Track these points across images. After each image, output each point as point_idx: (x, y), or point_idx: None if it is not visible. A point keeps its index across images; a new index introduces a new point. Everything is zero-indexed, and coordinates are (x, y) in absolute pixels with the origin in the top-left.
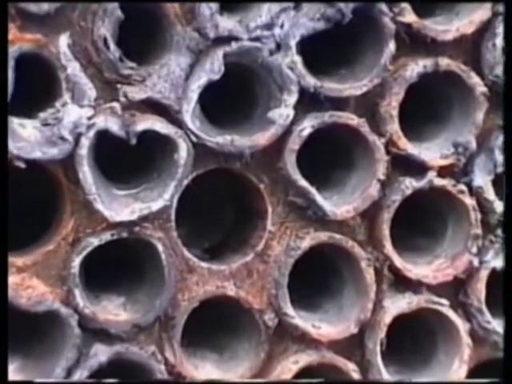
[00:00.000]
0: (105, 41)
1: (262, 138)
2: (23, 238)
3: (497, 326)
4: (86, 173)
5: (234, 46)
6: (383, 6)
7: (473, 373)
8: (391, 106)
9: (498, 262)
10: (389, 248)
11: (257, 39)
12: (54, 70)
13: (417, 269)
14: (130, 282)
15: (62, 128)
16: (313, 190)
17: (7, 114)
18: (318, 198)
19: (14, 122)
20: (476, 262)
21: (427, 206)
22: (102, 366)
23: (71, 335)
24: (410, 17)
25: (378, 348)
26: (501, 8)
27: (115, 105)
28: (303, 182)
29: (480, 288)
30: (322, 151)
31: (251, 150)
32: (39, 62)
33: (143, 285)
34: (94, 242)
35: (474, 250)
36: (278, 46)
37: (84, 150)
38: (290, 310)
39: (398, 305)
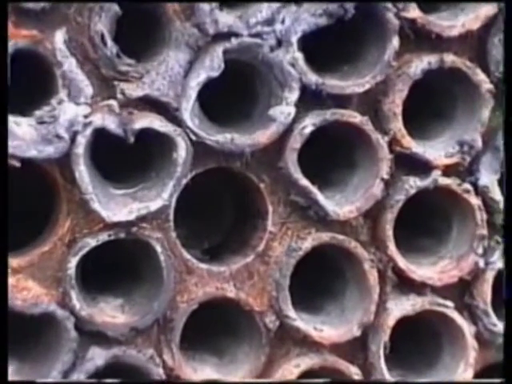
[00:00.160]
0: (102, 37)
1: (263, 136)
2: (18, 239)
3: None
4: (83, 172)
5: (234, 42)
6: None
7: (479, 376)
8: (395, 103)
9: None
10: (392, 249)
11: (257, 35)
12: (50, 67)
13: (421, 270)
14: (127, 283)
15: (58, 126)
16: (314, 190)
17: (7, 114)
18: (320, 197)
19: (9, 120)
20: (482, 263)
21: (432, 205)
22: (99, 369)
23: (67, 338)
24: (414, 12)
25: (382, 351)
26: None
27: (112, 102)
28: (305, 182)
29: (486, 290)
30: (323, 150)
31: (251, 148)
32: (35, 58)
33: (141, 286)
34: (91, 242)
35: (480, 250)
36: (279, 42)
37: (80, 148)
38: (291, 312)
39: (401, 307)
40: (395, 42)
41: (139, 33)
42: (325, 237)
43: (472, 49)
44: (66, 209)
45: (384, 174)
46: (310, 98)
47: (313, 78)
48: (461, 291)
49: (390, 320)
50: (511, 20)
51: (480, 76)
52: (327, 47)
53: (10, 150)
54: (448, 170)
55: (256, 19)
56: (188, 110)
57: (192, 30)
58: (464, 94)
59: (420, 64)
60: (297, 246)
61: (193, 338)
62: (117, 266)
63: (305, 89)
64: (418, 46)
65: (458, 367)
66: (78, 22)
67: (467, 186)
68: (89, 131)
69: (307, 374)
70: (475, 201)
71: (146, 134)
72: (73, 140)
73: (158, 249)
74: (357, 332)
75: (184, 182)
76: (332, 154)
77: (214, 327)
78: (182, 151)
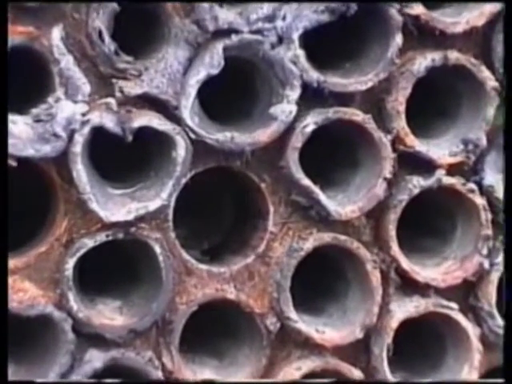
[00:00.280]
0: (100, 33)
1: (264, 135)
2: (14, 239)
3: None
4: (80, 171)
5: (234, 38)
6: None
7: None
8: (398, 101)
9: None
10: (395, 249)
11: (258, 32)
12: (47, 64)
13: (425, 271)
14: (125, 284)
15: (55, 124)
16: (316, 189)
17: (7, 114)
18: (322, 197)
19: None
20: (486, 264)
21: (435, 205)
22: (97, 372)
23: (65, 340)
24: (417, 8)
25: (385, 354)
26: None
27: (110, 100)
28: (306, 181)
29: (491, 291)
30: (325, 149)
31: (252, 147)
32: (31, 55)
33: (140, 288)
34: (89, 243)
35: (485, 251)
36: (280, 39)
37: (78, 147)
38: (292, 313)
39: (405, 309)
40: (398, 38)
41: (138, 29)
42: (326, 237)
43: (477, 45)
44: (63, 209)
45: (387, 173)
46: (312, 96)
47: (314, 75)
48: (465, 293)
49: (393, 322)
50: (511, 20)
51: (485, 73)
52: (329, 44)
53: None
54: (452, 170)
55: (257, 15)
56: (187, 108)
57: (191, 26)
58: (469, 91)
59: (424, 61)
60: (298, 247)
61: (192, 341)
62: (115, 267)
63: (306, 87)
64: (421, 43)
65: (462, 370)
66: (75, 18)
67: (472, 185)
68: (86, 130)
69: (309, 376)
70: (480, 201)
71: (145, 133)
72: (70, 139)
73: (157, 249)
74: (359, 334)
75: (183, 181)
76: (334, 153)
77: (214, 329)
78: (182, 150)
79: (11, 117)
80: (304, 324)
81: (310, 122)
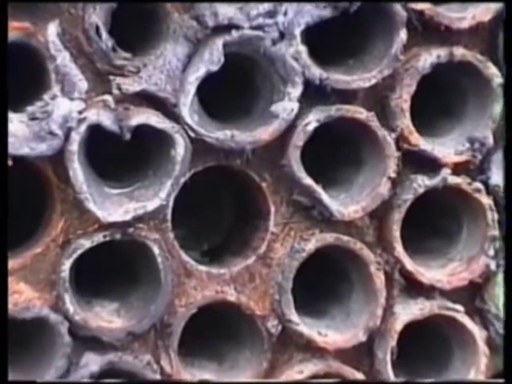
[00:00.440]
0: (97, 29)
1: (265, 133)
2: (10, 240)
3: None
4: (77, 170)
5: (235, 34)
6: None
7: None
8: (402, 98)
9: None
10: (399, 250)
11: (259, 28)
12: (43, 61)
13: (430, 272)
14: (123, 286)
15: (51, 122)
16: (318, 189)
17: (7, 113)
18: (324, 196)
19: None
20: (493, 266)
21: (441, 205)
22: (94, 375)
23: (61, 343)
24: (422, 3)
25: (388, 357)
26: None
27: (108, 98)
28: (308, 180)
29: (497, 293)
30: (328, 147)
31: (253, 145)
32: (27, 51)
33: (138, 290)
34: (86, 243)
35: (491, 252)
36: (282, 35)
37: (74, 145)
38: (294, 316)
39: (409, 311)
40: (403, 34)
41: (136, 25)
42: (329, 238)
43: (483, 41)
44: (59, 209)
45: (391, 172)
46: (314, 93)
47: (317, 72)
48: (471, 295)
49: (398, 324)
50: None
51: (491, 70)
52: (332, 40)
53: None
54: (458, 169)
55: (257, 11)
56: (186, 105)
57: (191, 22)
58: (475, 88)
59: (429, 57)
60: (300, 248)
61: (192, 344)
62: (112, 268)
63: (308, 83)
64: (426, 39)
65: (468, 374)
66: (71, 13)
67: (478, 184)
68: (83, 128)
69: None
70: (486, 200)
71: (143, 131)
72: (66, 137)
73: (156, 250)
74: (363, 337)
75: (182, 180)
76: (336, 152)
77: (214, 332)
78: (181, 149)
79: None
80: (306, 327)
81: (312, 120)
